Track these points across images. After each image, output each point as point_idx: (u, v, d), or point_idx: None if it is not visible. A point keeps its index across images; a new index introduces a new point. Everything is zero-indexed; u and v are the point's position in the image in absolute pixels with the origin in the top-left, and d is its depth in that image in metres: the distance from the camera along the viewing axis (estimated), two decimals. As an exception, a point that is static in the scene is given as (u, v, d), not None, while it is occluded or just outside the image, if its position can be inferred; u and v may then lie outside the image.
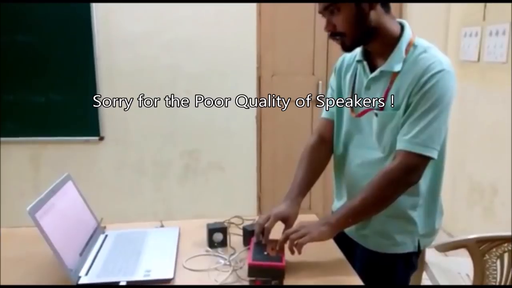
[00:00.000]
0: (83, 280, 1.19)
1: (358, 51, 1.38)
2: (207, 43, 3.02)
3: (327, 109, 1.51)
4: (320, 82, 3.20)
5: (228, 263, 1.32)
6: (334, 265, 1.34)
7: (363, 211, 1.28)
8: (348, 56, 1.45)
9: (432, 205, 1.41)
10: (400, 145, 1.24)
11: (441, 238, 3.01)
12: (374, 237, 1.41)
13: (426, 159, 1.23)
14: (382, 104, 1.29)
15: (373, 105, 1.31)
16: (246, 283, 1.22)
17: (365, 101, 1.34)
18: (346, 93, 1.42)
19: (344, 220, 1.27)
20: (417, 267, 1.49)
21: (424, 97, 1.20)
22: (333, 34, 1.28)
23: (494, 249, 1.66)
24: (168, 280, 1.22)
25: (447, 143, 1.37)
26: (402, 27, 1.31)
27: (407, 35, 1.29)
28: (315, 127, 1.58)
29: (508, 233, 1.65)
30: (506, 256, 1.66)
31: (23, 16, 2.84)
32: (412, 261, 1.43)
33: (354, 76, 1.39)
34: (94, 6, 2.84)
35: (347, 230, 1.45)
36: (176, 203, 3.19)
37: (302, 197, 1.42)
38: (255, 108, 3.13)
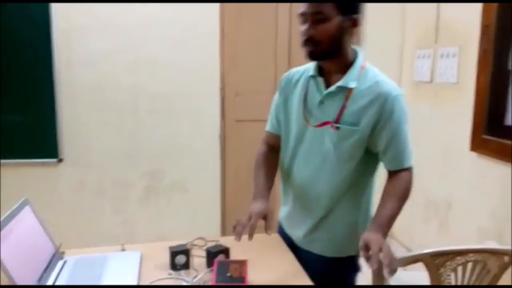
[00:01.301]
0: (40, 309, 1.16)
1: (307, 68, 1.50)
2: (170, 63, 3.02)
3: (271, 123, 1.63)
4: (282, 101, 3.25)
5: (191, 285, 1.32)
6: (295, 280, 1.37)
7: (395, 218, 1.44)
8: (293, 74, 1.55)
9: (369, 211, 1.54)
10: (395, 166, 1.45)
11: (399, 252, 3.09)
12: (322, 242, 1.54)
13: (411, 168, 1.47)
14: (338, 119, 1.39)
15: (331, 119, 1.40)
16: (209, 305, 1.22)
17: (321, 115, 1.43)
18: (295, 108, 1.50)
19: (388, 228, 1.40)
20: (361, 269, 1.60)
21: (395, 123, 1.38)
22: (309, 40, 1.35)
23: (448, 263, 1.72)
24: (130, 305, 1.20)
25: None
26: (355, 53, 1.44)
27: (361, 59, 1.42)
28: (262, 138, 1.70)
29: (460, 247, 1.72)
30: (459, 269, 1.72)
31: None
32: (356, 263, 1.57)
33: (305, 91, 1.47)
34: (55, 24, 2.79)
35: (293, 235, 1.61)
36: (138, 226, 3.13)
37: (268, 197, 1.52)
38: (219, 127, 3.15)
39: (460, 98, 2.53)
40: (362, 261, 1.46)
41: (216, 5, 2.99)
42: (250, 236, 1.36)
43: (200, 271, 1.41)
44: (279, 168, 1.64)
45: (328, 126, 1.41)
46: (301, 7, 1.35)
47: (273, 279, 1.38)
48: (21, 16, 2.78)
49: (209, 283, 1.24)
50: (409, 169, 1.47)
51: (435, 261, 1.73)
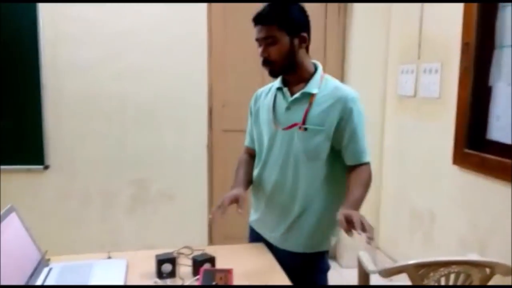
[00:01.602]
0: (25, 316, 1.16)
1: (273, 84, 1.71)
2: (157, 72, 3.04)
3: (248, 140, 1.86)
4: (269, 113, 3.30)
5: (182, 285, 1.33)
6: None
7: (362, 202, 1.57)
8: (260, 92, 1.78)
9: (336, 208, 1.57)
10: (355, 161, 1.61)
11: (384, 263, 3.13)
12: (298, 239, 1.65)
13: (369, 163, 1.64)
14: (304, 121, 1.57)
15: (298, 121, 1.58)
16: (195, 313, 1.24)
17: (288, 118, 1.61)
18: (265, 117, 1.69)
19: (358, 209, 1.51)
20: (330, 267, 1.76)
21: (354, 123, 1.55)
22: (266, 61, 1.57)
23: (431, 274, 1.75)
24: (116, 313, 1.21)
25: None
26: (315, 66, 1.66)
27: (320, 71, 1.64)
28: (242, 151, 1.90)
29: (443, 258, 1.76)
30: (443, 280, 1.76)
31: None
32: (326, 258, 1.73)
33: (273, 101, 1.66)
34: (42, 32, 2.80)
35: (268, 237, 1.73)
36: (124, 234, 3.11)
37: (244, 187, 1.71)
38: (206, 137, 3.17)
39: (443, 112, 2.59)
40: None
41: (204, 15, 3.02)
42: (220, 212, 1.52)
43: (186, 279, 1.43)
44: None
45: (296, 127, 1.59)
46: (256, 33, 1.56)
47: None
48: (9, 23, 2.78)
49: (195, 292, 1.26)
50: (367, 164, 1.64)
51: (419, 272, 1.76)
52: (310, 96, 1.58)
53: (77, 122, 2.99)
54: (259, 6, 2.82)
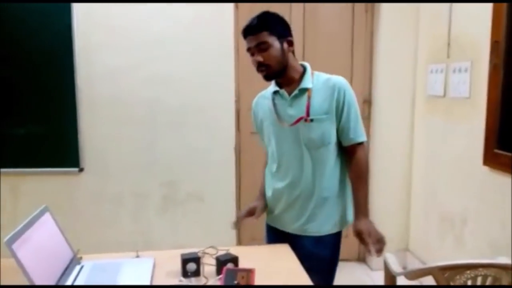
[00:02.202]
0: (57, 310, 1.23)
1: (268, 90, 1.85)
2: (186, 77, 3.11)
3: (264, 145, 1.96)
4: (297, 115, 3.32)
5: (186, 285, 1.37)
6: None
7: (368, 196, 1.82)
8: (258, 98, 1.92)
9: (344, 191, 1.83)
10: (350, 140, 1.75)
11: (414, 265, 3.09)
12: (320, 224, 1.78)
13: (364, 143, 1.79)
14: (308, 113, 1.71)
15: (302, 115, 1.71)
16: (217, 311, 1.27)
17: (292, 114, 1.74)
18: (269, 120, 1.82)
19: (368, 207, 1.80)
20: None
21: (349, 104, 1.72)
22: (261, 65, 1.69)
23: (458, 277, 1.73)
24: (142, 309, 1.26)
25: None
26: (303, 66, 1.80)
27: (309, 69, 1.79)
28: (264, 159, 2.01)
29: (469, 261, 1.73)
30: (469, 283, 1.73)
31: (5, 50, 2.91)
32: (340, 238, 1.85)
33: (273, 103, 1.79)
34: (77, 42, 2.93)
35: (289, 229, 1.84)
36: (155, 234, 3.20)
37: (263, 198, 1.93)
38: (234, 139, 3.22)
39: (473, 112, 2.54)
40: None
41: (231, 19, 3.08)
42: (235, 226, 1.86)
43: (209, 278, 1.47)
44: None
45: (302, 121, 1.72)
46: (247, 44, 1.71)
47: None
48: (45, 32, 2.92)
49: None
50: (363, 144, 1.78)
51: (445, 274, 1.74)
52: (307, 90, 1.73)
53: (110, 127, 3.10)
54: (286, 7, 2.97)
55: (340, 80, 1.75)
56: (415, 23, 3.21)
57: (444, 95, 2.83)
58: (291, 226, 1.83)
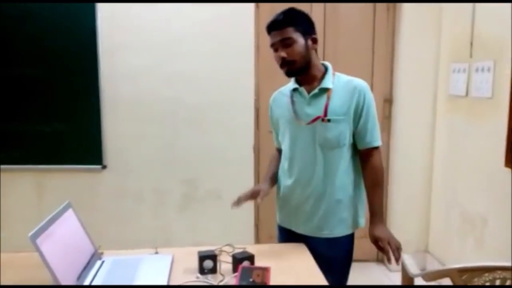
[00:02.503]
0: (79, 303, 1.27)
1: (286, 87, 1.86)
2: (206, 76, 3.15)
3: (276, 141, 1.99)
4: (316, 114, 3.33)
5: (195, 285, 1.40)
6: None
7: (383, 201, 1.82)
8: (276, 95, 1.93)
9: (357, 194, 1.82)
10: (366, 144, 1.75)
11: (434, 267, 3.05)
12: (333, 225, 1.78)
13: (380, 148, 1.79)
14: (325, 113, 1.71)
15: (320, 114, 1.71)
16: (232, 308, 1.30)
17: (310, 113, 1.73)
18: (286, 117, 1.82)
19: (383, 213, 1.80)
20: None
21: (368, 107, 1.72)
22: (284, 61, 1.69)
23: (476, 279, 1.71)
24: (159, 304, 1.29)
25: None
26: (325, 66, 1.80)
27: (330, 69, 1.78)
28: (274, 151, 2.05)
29: (487, 263, 1.71)
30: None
31: (31, 50, 3.00)
32: (353, 239, 1.85)
33: (291, 101, 1.79)
34: (100, 43, 2.99)
35: (301, 230, 1.83)
36: (175, 231, 3.25)
37: (272, 184, 1.93)
38: (253, 138, 3.24)
39: (495, 113, 2.50)
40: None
41: (251, 18, 3.10)
42: (236, 204, 1.78)
43: (226, 275, 1.49)
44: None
45: (319, 120, 1.72)
46: (271, 39, 1.73)
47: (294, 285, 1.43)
48: (70, 33, 3.00)
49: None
50: (378, 148, 1.78)
51: (462, 277, 1.72)
52: (327, 90, 1.73)
53: (132, 125, 3.16)
54: (307, 6, 2.98)
55: (361, 83, 1.75)
56: (438, 22, 3.17)
57: (466, 95, 2.79)
58: (303, 227, 1.83)
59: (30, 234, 1.23)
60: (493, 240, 2.57)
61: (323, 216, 1.78)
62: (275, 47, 1.72)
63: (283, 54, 1.68)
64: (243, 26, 3.12)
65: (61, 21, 2.97)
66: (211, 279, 1.47)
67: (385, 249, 1.70)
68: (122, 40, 3.07)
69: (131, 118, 3.15)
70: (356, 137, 1.76)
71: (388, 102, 3.39)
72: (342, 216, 1.78)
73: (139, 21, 3.06)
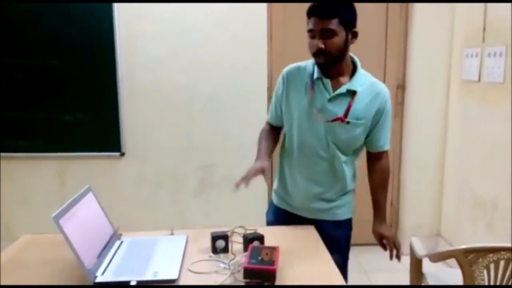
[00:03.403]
0: (99, 279, 1.37)
1: (307, 66, 1.78)
2: (221, 65, 3.21)
3: (272, 116, 1.93)
4: (329, 100, 3.37)
5: (227, 267, 1.48)
6: (324, 271, 1.49)
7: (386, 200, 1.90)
8: (295, 70, 1.82)
9: (354, 184, 1.90)
10: (379, 148, 1.80)
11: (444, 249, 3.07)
12: (333, 210, 1.85)
13: (388, 151, 1.85)
14: (346, 115, 1.69)
15: (341, 115, 1.69)
16: (242, 284, 1.37)
17: (331, 111, 1.69)
18: (300, 102, 1.74)
19: (385, 212, 1.90)
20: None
21: (386, 113, 1.75)
22: (320, 52, 1.62)
23: (480, 260, 1.75)
24: (173, 281, 1.38)
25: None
26: (353, 62, 1.75)
27: (359, 67, 1.74)
28: (265, 125, 2.01)
29: (492, 244, 1.75)
30: (492, 266, 1.75)
31: (53, 42, 3.11)
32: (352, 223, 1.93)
33: (312, 90, 1.72)
34: (118, 32, 3.08)
35: (307, 214, 1.88)
36: (191, 216, 3.36)
37: (268, 158, 1.84)
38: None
39: (507, 98, 2.50)
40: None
41: (264, 8, 3.14)
42: (243, 182, 1.72)
43: (237, 255, 1.57)
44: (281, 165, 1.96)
45: (339, 121, 1.69)
46: (310, 24, 1.63)
47: (301, 265, 1.50)
48: (88, 24, 3.09)
49: (242, 265, 1.39)
50: (387, 152, 1.85)
51: (468, 257, 1.77)
52: (352, 92, 1.68)
53: (150, 113, 3.26)
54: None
55: (385, 90, 1.74)
56: (451, 7, 3.16)
57: (479, 80, 2.80)
58: (305, 212, 1.88)
59: (53, 214, 1.31)
60: (503, 224, 2.59)
61: (331, 203, 1.84)
62: (312, 34, 1.63)
63: (321, 45, 1.60)
64: (256, 16, 3.17)
65: (80, 13, 3.06)
66: (223, 258, 1.55)
67: (391, 247, 1.82)
68: (139, 30, 3.15)
69: (148, 107, 3.25)
70: (369, 139, 1.78)
71: (400, 88, 3.40)
72: (345, 201, 1.86)
73: (156, 12, 3.14)
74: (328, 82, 1.70)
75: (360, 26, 3.57)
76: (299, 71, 1.80)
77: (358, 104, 1.69)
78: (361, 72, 1.73)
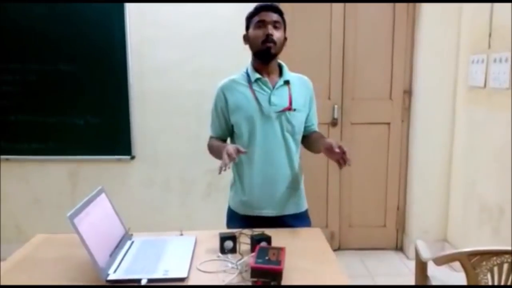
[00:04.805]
0: (111, 277, 1.41)
1: (236, 77, 2.00)
2: (230, 70, 3.23)
3: (215, 130, 2.08)
4: (336, 106, 3.40)
5: (235, 266, 1.52)
6: (329, 272, 1.53)
7: None
8: (227, 83, 2.01)
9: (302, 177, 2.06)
10: (312, 130, 2.02)
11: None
12: (290, 204, 1.98)
13: None
14: (290, 104, 1.88)
15: (286, 105, 1.88)
16: (249, 283, 1.41)
17: (276, 103, 1.87)
18: (248, 105, 1.89)
19: None
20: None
21: (314, 100, 2.03)
22: (271, 39, 1.84)
23: (484, 263, 1.78)
24: (182, 279, 1.42)
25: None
26: (279, 64, 1.99)
27: (285, 65, 1.98)
28: (209, 140, 2.12)
29: (496, 247, 1.77)
30: (496, 269, 1.78)
31: (65, 48, 3.18)
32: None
33: (252, 91, 1.90)
34: (129, 38, 3.15)
35: (270, 212, 1.97)
36: (200, 218, 3.40)
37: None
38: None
39: (512, 103, 2.53)
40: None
41: (273, 16, 3.19)
42: (230, 160, 1.72)
43: (244, 255, 1.61)
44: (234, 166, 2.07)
45: (287, 111, 1.88)
46: (261, 17, 1.88)
47: (307, 265, 1.54)
48: (100, 30, 3.18)
49: (250, 265, 1.43)
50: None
51: (471, 260, 1.79)
52: (288, 83, 1.92)
53: (160, 117, 3.32)
54: (327, 5, 2.81)
55: (308, 80, 2.02)
56: (457, 13, 3.19)
57: (485, 86, 2.82)
58: (270, 210, 1.97)
59: (68, 214, 1.35)
60: (510, 229, 2.61)
61: (289, 195, 1.98)
62: (264, 24, 1.86)
63: (272, 31, 1.84)
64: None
65: (91, 19, 3.15)
66: (230, 258, 1.59)
67: (338, 150, 1.65)
68: (150, 36, 3.23)
69: (158, 111, 3.31)
70: (306, 122, 2.00)
71: (407, 93, 3.43)
72: (302, 194, 2.04)
73: (167, 18, 3.21)
74: (266, 80, 1.92)
75: (367, 32, 3.63)
76: (234, 81, 1.99)
77: (296, 94, 1.92)
78: (287, 70, 1.97)
